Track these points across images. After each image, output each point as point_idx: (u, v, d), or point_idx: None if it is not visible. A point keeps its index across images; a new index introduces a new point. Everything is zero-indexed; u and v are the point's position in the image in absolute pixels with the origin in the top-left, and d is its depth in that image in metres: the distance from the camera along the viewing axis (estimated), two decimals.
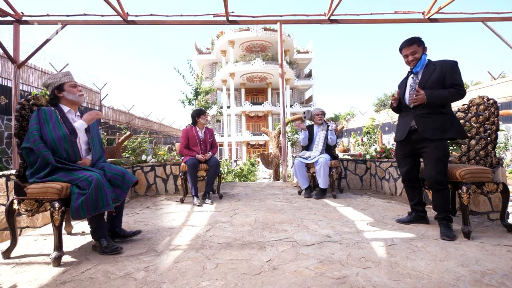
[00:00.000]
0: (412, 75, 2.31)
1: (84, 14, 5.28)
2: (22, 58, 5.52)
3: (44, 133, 1.88)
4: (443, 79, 2.14)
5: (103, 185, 1.87)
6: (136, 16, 5.47)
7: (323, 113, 4.04)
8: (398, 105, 2.42)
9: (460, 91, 2.08)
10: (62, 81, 2.06)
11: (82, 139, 2.08)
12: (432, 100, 2.11)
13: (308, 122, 4.17)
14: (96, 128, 2.25)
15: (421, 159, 2.34)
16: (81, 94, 2.13)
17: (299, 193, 3.99)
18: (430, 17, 5.57)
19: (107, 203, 1.87)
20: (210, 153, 3.74)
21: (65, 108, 2.06)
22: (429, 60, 2.27)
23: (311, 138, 4.02)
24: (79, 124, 2.05)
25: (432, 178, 2.14)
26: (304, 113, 4.14)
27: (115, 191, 2.03)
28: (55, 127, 1.92)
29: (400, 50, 2.33)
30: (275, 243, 2.04)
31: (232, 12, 5.44)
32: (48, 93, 2.09)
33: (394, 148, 2.62)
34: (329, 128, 3.91)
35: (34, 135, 1.84)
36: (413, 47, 2.24)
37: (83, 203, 1.78)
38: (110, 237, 2.12)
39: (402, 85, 2.40)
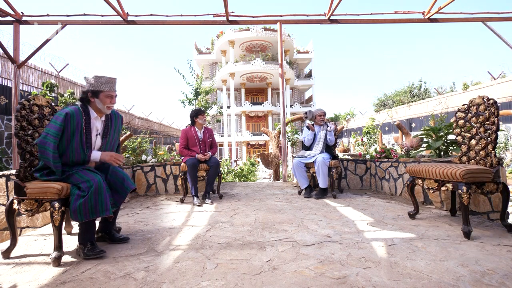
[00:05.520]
0: None
1: (84, 14, 5.28)
2: (22, 58, 5.53)
3: (65, 137, 1.86)
4: None
5: (103, 190, 1.85)
6: (136, 16, 5.48)
7: (325, 114, 4.07)
8: None
9: None
10: (101, 88, 1.98)
11: (97, 145, 2.06)
12: None
13: (308, 122, 4.18)
14: (115, 134, 2.18)
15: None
16: (110, 107, 2.05)
17: (299, 193, 3.99)
18: (430, 17, 5.58)
19: (106, 208, 1.85)
20: (209, 153, 3.74)
21: (93, 114, 2.01)
22: None
23: (313, 138, 4.04)
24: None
25: None
26: (305, 113, 4.15)
27: (114, 196, 2.02)
28: (77, 139, 1.90)
29: None
30: (275, 243, 2.04)
31: (232, 12, 5.44)
32: (83, 90, 2.02)
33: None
34: (328, 129, 3.93)
35: (49, 140, 1.79)
36: None
37: (81, 206, 1.76)
38: (101, 237, 2.13)
39: None
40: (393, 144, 10.32)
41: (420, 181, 2.52)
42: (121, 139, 4.54)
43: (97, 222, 2.15)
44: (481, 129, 2.34)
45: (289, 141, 9.25)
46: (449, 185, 2.22)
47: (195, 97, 8.46)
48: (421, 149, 4.07)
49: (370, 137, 10.24)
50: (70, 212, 1.78)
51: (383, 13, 5.55)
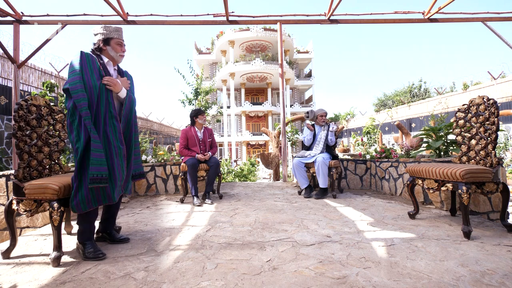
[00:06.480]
0: None
1: (84, 14, 5.28)
2: (22, 58, 5.52)
3: (85, 77, 1.84)
4: None
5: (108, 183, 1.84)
6: (136, 16, 5.48)
7: (326, 114, 4.07)
8: None
9: None
10: (111, 35, 2.03)
11: (114, 94, 2.02)
12: None
13: (308, 122, 4.17)
14: (131, 92, 2.15)
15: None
16: (122, 55, 2.09)
17: (299, 193, 3.99)
18: (430, 17, 5.57)
19: (109, 197, 1.85)
20: (209, 153, 3.74)
21: (105, 59, 2.04)
22: None
23: (313, 138, 4.04)
24: (122, 91, 2.00)
25: None
26: (307, 112, 4.14)
27: None
28: (94, 75, 1.88)
29: None
30: (275, 243, 2.04)
31: (232, 12, 5.44)
32: (93, 42, 2.04)
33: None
34: (330, 129, 3.93)
35: (75, 74, 1.80)
36: None
37: (84, 197, 1.77)
38: (101, 237, 2.13)
39: None
40: (393, 144, 10.33)
41: (420, 181, 2.52)
42: None
43: (97, 223, 2.15)
44: (481, 129, 2.34)
45: (289, 141, 9.25)
46: (449, 185, 2.22)
47: (195, 97, 8.45)
48: (421, 149, 4.07)
49: (370, 137, 10.25)
50: (71, 204, 1.76)
51: (383, 13, 5.55)
